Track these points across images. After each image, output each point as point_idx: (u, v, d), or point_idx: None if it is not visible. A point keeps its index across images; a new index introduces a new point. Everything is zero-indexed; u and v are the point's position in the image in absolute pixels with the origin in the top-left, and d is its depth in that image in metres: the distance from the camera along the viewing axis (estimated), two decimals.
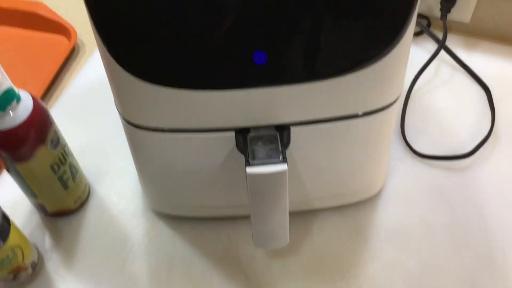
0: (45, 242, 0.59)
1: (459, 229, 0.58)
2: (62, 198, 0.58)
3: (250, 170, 0.44)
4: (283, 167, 0.44)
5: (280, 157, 0.45)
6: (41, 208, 0.59)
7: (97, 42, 0.41)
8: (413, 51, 0.74)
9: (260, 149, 0.46)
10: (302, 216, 0.59)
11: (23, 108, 0.49)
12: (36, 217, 0.61)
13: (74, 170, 0.57)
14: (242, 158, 0.47)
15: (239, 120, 0.46)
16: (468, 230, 0.57)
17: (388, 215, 0.59)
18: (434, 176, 0.62)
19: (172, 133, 0.47)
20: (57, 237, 0.59)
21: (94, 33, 0.41)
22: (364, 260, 0.56)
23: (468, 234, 0.57)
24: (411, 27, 0.42)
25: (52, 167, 0.54)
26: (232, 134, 0.47)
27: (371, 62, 0.42)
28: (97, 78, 0.74)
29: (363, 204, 0.60)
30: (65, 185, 0.57)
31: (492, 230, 0.57)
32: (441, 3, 0.73)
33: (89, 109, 0.71)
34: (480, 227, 0.58)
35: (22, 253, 0.52)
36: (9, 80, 0.47)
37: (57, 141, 0.53)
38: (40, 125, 0.51)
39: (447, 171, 0.62)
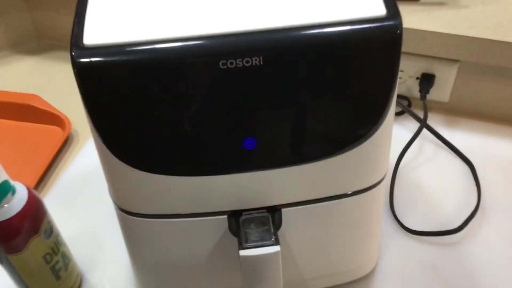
0: None
1: None
2: None
3: (243, 253, 0.44)
4: (275, 248, 0.44)
5: (273, 239, 0.45)
6: None
7: (92, 133, 0.43)
8: (396, 130, 0.77)
9: (253, 232, 0.46)
10: None
11: (18, 200, 0.50)
12: None
13: (66, 260, 0.57)
14: (235, 240, 0.48)
15: (231, 204, 0.47)
16: None
17: None
18: (426, 251, 0.63)
19: (166, 218, 0.48)
20: None
21: (89, 125, 0.42)
22: None
23: None
24: (391, 110, 0.44)
25: (44, 258, 0.53)
26: (225, 217, 0.48)
27: (356, 144, 0.44)
28: (90, 167, 0.75)
29: (358, 283, 0.59)
30: (57, 275, 0.56)
31: None
32: (420, 85, 0.77)
33: (82, 197, 0.72)
34: None
35: None
36: (5, 173, 0.49)
37: (51, 231, 0.54)
38: (34, 216, 0.51)
39: (438, 246, 0.63)
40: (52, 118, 0.81)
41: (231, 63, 0.38)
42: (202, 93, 0.40)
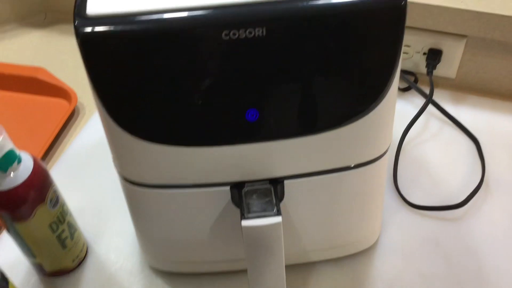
0: None
1: (455, 279, 0.58)
2: (60, 257, 0.58)
3: (245, 223, 0.45)
4: (277, 219, 0.45)
5: (275, 210, 0.46)
6: (39, 268, 0.59)
7: (96, 104, 0.43)
8: (402, 106, 0.77)
9: (255, 203, 0.47)
10: (299, 270, 0.59)
11: (24, 169, 0.51)
12: (34, 277, 0.61)
13: (72, 229, 0.58)
14: (237, 212, 0.48)
15: (234, 175, 0.47)
16: (464, 279, 0.58)
17: (385, 266, 0.59)
18: (429, 226, 0.63)
19: (169, 189, 0.48)
20: None
21: (93, 96, 0.43)
22: None
23: (464, 284, 0.57)
24: (395, 83, 0.44)
25: (50, 226, 0.54)
26: (227, 188, 0.48)
27: (359, 117, 0.44)
28: (96, 140, 0.76)
29: (360, 256, 0.60)
30: (63, 244, 0.57)
31: (488, 279, 0.58)
32: (426, 60, 0.77)
33: (88, 169, 0.73)
34: (476, 277, 0.58)
35: None
36: (11, 142, 0.49)
37: (56, 200, 0.55)
38: (40, 185, 0.52)
39: (441, 221, 0.63)
40: (58, 91, 0.81)
41: (234, 34, 0.38)
42: (205, 64, 0.40)
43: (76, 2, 0.40)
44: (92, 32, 0.39)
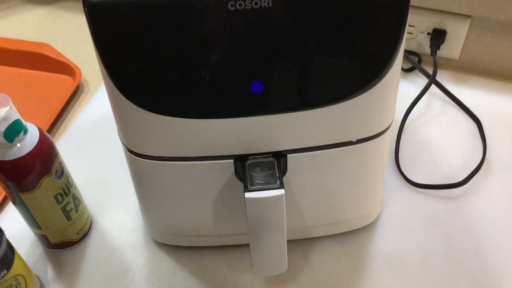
0: (48, 273, 0.59)
1: (455, 256, 0.59)
2: (65, 229, 0.59)
3: (248, 195, 0.45)
4: (280, 192, 0.45)
5: (278, 182, 0.46)
6: (44, 240, 0.60)
7: (102, 74, 0.44)
8: (405, 86, 0.77)
9: (258, 176, 0.47)
10: (300, 245, 0.60)
11: (30, 140, 0.51)
12: (39, 249, 0.62)
13: (77, 202, 0.59)
14: (240, 185, 0.49)
15: (237, 148, 0.48)
16: (464, 257, 0.58)
17: (385, 243, 0.60)
18: (429, 204, 0.64)
19: (173, 161, 0.49)
20: (59, 268, 0.60)
21: (100, 66, 0.43)
22: (363, 287, 0.56)
23: (463, 261, 0.58)
24: (399, 58, 0.44)
25: (56, 197, 0.55)
26: (231, 161, 0.49)
27: (362, 91, 0.45)
28: (100, 115, 0.76)
29: (360, 232, 0.61)
30: (68, 216, 0.58)
31: (487, 257, 0.58)
32: (430, 41, 0.77)
33: (93, 144, 0.73)
34: (476, 254, 0.59)
35: (26, 282, 0.53)
36: (17, 112, 0.50)
37: (62, 172, 0.55)
38: (45, 156, 0.52)
39: (442, 199, 0.64)
40: (63, 67, 0.81)
41: (240, 4, 0.39)
42: (211, 35, 0.41)
43: None
44: (99, 2, 0.39)
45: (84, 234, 0.62)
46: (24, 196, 0.53)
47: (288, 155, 0.49)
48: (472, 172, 0.65)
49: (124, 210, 0.65)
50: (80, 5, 0.97)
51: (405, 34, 0.43)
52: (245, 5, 0.39)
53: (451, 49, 0.78)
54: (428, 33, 0.77)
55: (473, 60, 0.79)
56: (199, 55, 0.41)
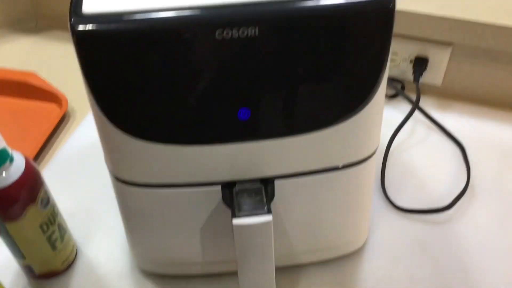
0: None
1: (442, 281, 0.59)
2: (50, 259, 0.58)
3: (236, 221, 0.45)
4: (268, 218, 0.45)
5: (265, 208, 0.46)
6: (28, 270, 0.59)
7: (89, 101, 0.44)
8: (389, 112, 0.78)
9: (246, 202, 0.47)
10: (289, 272, 0.60)
11: (16, 168, 0.51)
12: (23, 279, 0.61)
13: (62, 231, 0.58)
14: (228, 211, 0.49)
15: (225, 174, 0.48)
16: (451, 281, 0.59)
17: (373, 269, 0.60)
18: (416, 229, 0.64)
19: (161, 188, 0.49)
20: None
21: (87, 93, 0.43)
22: None
23: (450, 285, 0.58)
24: (383, 85, 0.45)
25: (41, 227, 0.54)
26: (219, 188, 0.49)
27: (347, 117, 0.45)
28: (86, 143, 0.76)
29: (348, 258, 0.61)
30: (53, 246, 0.57)
31: (475, 281, 0.59)
32: (413, 68, 0.78)
33: (79, 172, 0.73)
34: (463, 279, 0.59)
35: None
36: (3, 141, 0.49)
37: (47, 201, 0.55)
38: (31, 185, 0.52)
39: (428, 224, 0.64)
40: (49, 96, 0.81)
41: (227, 33, 0.39)
42: (199, 63, 0.41)
43: (72, 0, 0.41)
44: (87, 30, 0.39)
45: (70, 264, 0.61)
46: (9, 226, 0.52)
47: (275, 181, 0.49)
48: (457, 197, 0.66)
49: (110, 239, 0.65)
50: (66, 34, 0.97)
51: (389, 62, 0.44)
52: (232, 34, 0.39)
53: (433, 75, 0.79)
54: (411, 61, 0.78)
55: (455, 87, 0.80)
56: (187, 82, 0.42)
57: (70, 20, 0.39)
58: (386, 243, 0.63)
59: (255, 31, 0.39)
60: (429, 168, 0.71)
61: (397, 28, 0.73)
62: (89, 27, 0.39)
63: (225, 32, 0.39)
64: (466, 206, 0.66)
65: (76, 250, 0.63)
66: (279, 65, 0.42)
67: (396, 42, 0.77)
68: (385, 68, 0.44)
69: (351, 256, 0.61)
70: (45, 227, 0.55)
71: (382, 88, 0.46)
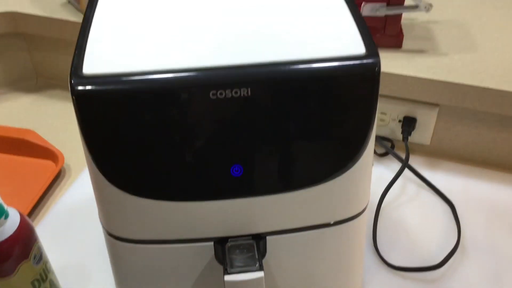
0: None
1: None
2: None
3: (228, 278, 0.46)
4: (259, 274, 0.46)
5: (257, 265, 0.47)
6: None
7: (86, 159, 0.45)
8: (380, 170, 0.80)
9: (238, 258, 0.48)
10: None
11: (10, 224, 0.51)
12: None
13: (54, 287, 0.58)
14: (220, 267, 0.49)
15: (218, 230, 0.48)
16: None
17: None
18: (408, 287, 0.64)
19: (154, 244, 0.49)
20: None
21: (84, 151, 0.44)
22: None
23: None
24: (371, 144, 0.47)
25: (33, 283, 0.54)
26: (211, 244, 0.49)
27: (337, 175, 0.47)
28: (81, 200, 0.77)
29: None
30: None
31: None
32: (402, 127, 0.81)
33: (72, 228, 0.73)
34: None
35: None
36: None
37: (40, 257, 0.55)
38: (25, 241, 0.52)
39: (420, 282, 0.64)
40: (46, 153, 0.83)
41: (221, 94, 0.41)
42: (193, 122, 0.43)
43: (73, 62, 0.43)
44: (87, 90, 0.41)
45: None
46: (1, 282, 0.52)
47: (267, 237, 0.50)
48: (448, 255, 0.66)
49: None
50: (65, 93, 1.00)
51: (376, 122, 0.46)
52: (225, 94, 0.41)
53: (422, 135, 0.81)
54: (399, 120, 0.81)
55: (443, 146, 0.82)
56: (182, 141, 0.43)
57: (71, 81, 0.41)
58: None
59: (247, 92, 0.41)
60: (420, 226, 0.72)
61: (385, 89, 0.76)
62: (89, 87, 0.41)
63: (218, 93, 0.41)
64: (457, 263, 0.67)
65: None
66: (271, 124, 0.44)
67: (385, 102, 0.80)
68: (373, 127, 0.46)
69: None
70: (36, 284, 0.55)
71: (370, 147, 0.47)
